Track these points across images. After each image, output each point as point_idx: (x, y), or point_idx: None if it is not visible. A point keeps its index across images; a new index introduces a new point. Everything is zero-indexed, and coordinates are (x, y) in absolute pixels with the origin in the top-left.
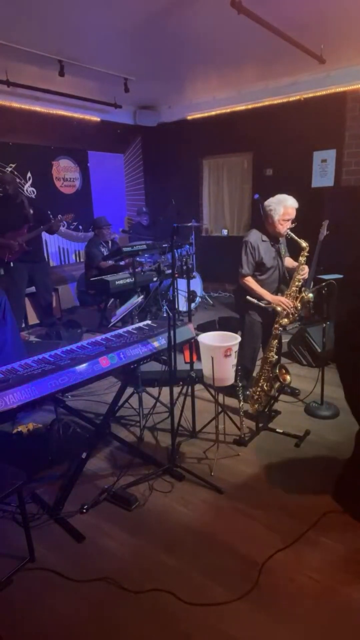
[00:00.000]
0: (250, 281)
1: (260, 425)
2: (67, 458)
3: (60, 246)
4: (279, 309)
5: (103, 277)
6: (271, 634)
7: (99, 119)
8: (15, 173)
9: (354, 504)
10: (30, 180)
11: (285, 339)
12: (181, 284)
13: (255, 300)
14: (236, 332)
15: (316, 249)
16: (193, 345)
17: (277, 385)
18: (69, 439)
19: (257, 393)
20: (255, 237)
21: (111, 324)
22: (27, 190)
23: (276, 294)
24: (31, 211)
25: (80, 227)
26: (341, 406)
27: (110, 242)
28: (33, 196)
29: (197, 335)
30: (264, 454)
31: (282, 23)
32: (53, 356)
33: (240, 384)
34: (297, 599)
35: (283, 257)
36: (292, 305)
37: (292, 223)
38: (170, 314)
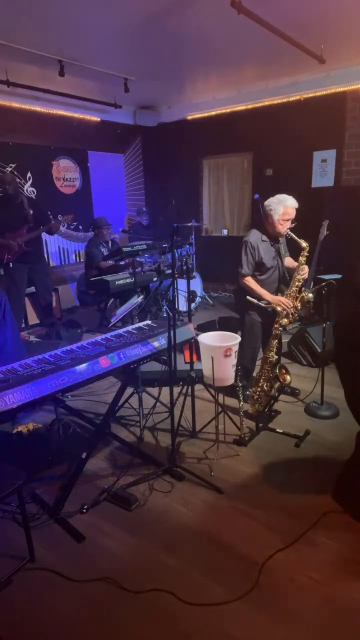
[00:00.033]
0: (250, 281)
1: (260, 425)
2: (67, 458)
3: (60, 246)
4: (278, 309)
5: (103, 277)
6: (271, 634)
7: (99, 119)
8: (15, 173)
9: (354, 504)
10: (30, 180)
11: (285, 339)
12: (181, 284)
13: (255, 300)
14: (236, 332)
15: (316, 249)
16: (193, 345)
17: (277, 385)
18: (69, 439)
19: (257, 393)
20: (255, 237)
21: (111, 324)
22: (27, 190)
23: (276, 294)
24: (31, 212)
25: (80, 227)
26: (341, 406)
27: (110, 242)
28: (33, 196)
29: (197, 335)
30: (264, 454)
31: (282, 23)
32: (53, 356)
33: (240, 384)
34: (297, 599)
35: (283, 257)
36: (292, 305)
37: (292, 223)
38: (170, 314)
